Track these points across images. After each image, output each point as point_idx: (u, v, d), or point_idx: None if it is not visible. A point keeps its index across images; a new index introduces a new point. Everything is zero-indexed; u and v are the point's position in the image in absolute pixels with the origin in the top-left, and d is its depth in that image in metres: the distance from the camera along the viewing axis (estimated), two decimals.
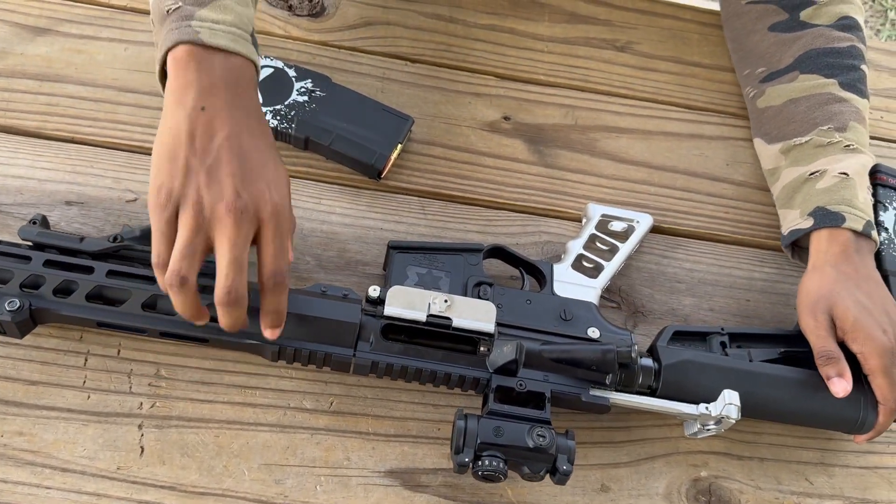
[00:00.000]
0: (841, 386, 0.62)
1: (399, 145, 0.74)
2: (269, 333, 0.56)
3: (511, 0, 0.90)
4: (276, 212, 0.53)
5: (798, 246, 0.74)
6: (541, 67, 0.86)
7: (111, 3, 0.79)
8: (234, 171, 0.52)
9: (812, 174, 0.72)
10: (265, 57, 0.74)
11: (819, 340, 0.64)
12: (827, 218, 0.69)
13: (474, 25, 0.87)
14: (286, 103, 0.72)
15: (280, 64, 0.74)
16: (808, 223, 0.70)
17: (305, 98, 0.72)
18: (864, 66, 0.78)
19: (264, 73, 0.73)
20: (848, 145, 0.72)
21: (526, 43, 0.87)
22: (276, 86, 0.73)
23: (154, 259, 0.53)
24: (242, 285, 0.52)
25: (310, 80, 0.73)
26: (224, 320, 0.53)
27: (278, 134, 0.72)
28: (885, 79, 0.94)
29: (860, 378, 0.64)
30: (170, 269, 0.52)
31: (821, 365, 0.64)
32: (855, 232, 0.68)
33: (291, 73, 0.73)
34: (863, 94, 0.76)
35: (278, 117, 0.71)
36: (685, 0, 0.96)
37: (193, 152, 0.52)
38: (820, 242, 0.69)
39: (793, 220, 0.72)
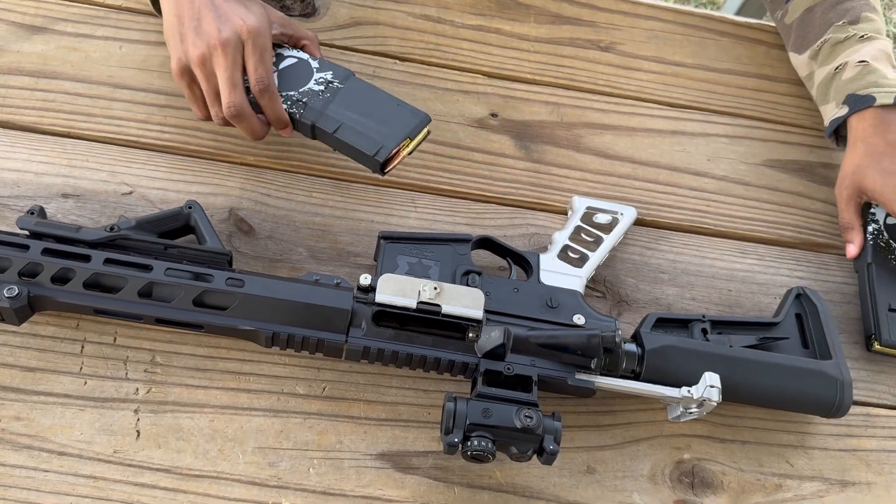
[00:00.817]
0: (848, 249, 0.78)
1: (409, 140, 0.70)
2: (283, 133, 0.72)
3: (497, 1, 0.92)
4: (252, 31, 0.67)
5: (840, 136, 0.84)
6: (527, 66, 0.88)
7: (106, 2, 0.80)
8: (213, 18, 0.67)
9: (837, 69, 0.82)
10: (290, 49, 0.74)
11: (841, 213, 0.80)
12: (859, 102, 0.78)
13: (462, 26, 0.89)
14: (300, 90, 0.72)
15: (305, 56, 0.74)
16: (844, 111, 0.80)
17: (321, 88, 0.72)
18: None
19: (287, 62, 0.73)
20: (862, 35, 0.82)
21: (512, 43, 0.89)
22: (296, 75, 0.72)
23: (197, 116, 0.72)
24: (239, 98, 0.68)
25: (330, 73, 0.73)
26: (242, 132, 0.71)
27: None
28: None
29: (837, 362, 0.66)
30: (213, 116, 0.70)
31: (842, 232, 0.80)
32: (884, 106, 0.77)
33: (314, 64, 0.73)
34: None
35: (289, 102, 0.71)
36: (667, 3, 0.99)
37: (182, 24, 0.67)
38: (852, 126, 0.80)
39: (831, 111, 0.82)
